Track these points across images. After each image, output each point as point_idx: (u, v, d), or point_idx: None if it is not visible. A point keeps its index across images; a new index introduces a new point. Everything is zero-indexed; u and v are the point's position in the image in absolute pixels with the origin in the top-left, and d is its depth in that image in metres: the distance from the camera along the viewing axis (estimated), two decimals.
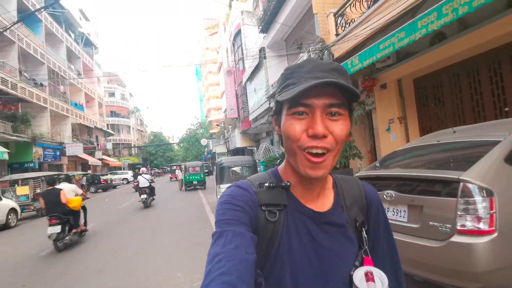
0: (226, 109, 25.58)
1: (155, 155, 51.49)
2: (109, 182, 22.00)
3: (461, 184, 1.73)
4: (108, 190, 21.57)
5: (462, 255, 1.69)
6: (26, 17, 14.45)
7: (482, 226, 1.66)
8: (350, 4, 6.86)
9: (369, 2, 6.26)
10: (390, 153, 2.77)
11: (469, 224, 1.69)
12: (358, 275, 0.56)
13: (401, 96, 7.30)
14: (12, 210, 8.15)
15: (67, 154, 20.57)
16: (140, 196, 10.18)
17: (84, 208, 6.02)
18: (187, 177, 15.63)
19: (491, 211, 1.65)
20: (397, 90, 7.24)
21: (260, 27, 13.10)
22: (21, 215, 8.80)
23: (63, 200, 5.23)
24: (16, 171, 15.50)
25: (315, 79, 0.51)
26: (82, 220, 5.92)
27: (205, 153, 37.64)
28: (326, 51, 7.63)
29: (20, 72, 16.91)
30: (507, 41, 5.02)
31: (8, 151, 13.63)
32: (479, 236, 1.66)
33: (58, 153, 19.82)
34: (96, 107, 29.73)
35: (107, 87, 42.48)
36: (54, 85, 20.66)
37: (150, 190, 10.40)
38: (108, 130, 33.11)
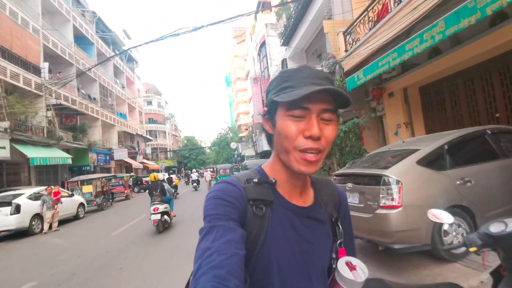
0: (253, 114, 26.97)
1: (188, 158, 54.61)
2: (149, 183, 24.49)
3: (383, 177, 2.77)
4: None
5: (382, 221, 2.72)
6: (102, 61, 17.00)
7: (394, 203, 2.68)
8: (356, 25, 7.76)
9: (371, 24, 7.12)
10: (360, 157, 3.79)
11: (387, 202, 2.73)
12: (341, 265, 0.61)
13: (407, 103, 8.00)
14: (81, 204, 10.19)
15: (115, 158, 23.38)
16: (192, 184, 19.19)
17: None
18: (218, 178, 17.24)
19: (399, 194, 2.67)
20: (402, 98, 7.96)
21: (282, 41, 14.25)
22: (86, 208, 10.86)
23: (173, 180, 13.52)
24: (76, 174, 18.28)
25: (314, 85, 0.55)
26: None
27: (235, 156, 39.39)
28: (337, 65, 8.56)
29: (78, 89, 19.87)
30: (495, 54, 5.67)
31: (72, 156, 16.24)
32: (392, 209, 2.69)
33: (107, 157, 22.67)
34: (137, 115, 32.97)
35: (145, 96, 46.21)
36: (104, 99, 23.70)
37: (198, 182, 19.14)
38: (147, 136, 36.33)
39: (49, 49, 16.89)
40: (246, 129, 40.11)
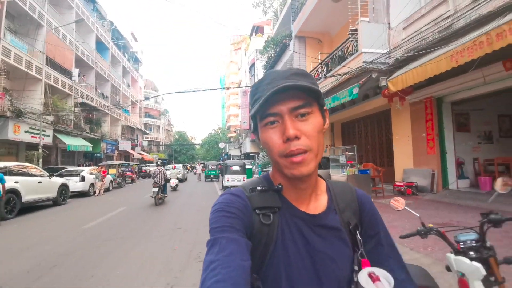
0: (240, 120, 31.37)
1: (179, 153, 58.19)
2: (147, 172, 28.59)
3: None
4: (146, 178, 28.08)
5: None
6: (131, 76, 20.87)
7: None
8: None
9: None
10: None
11: None
12: (363, 277, 0.56)
13: (332, 132, 12.77)
14: (110, 182, 14.40)
15: (119, 149, 27.26)
16: (194, 174, 26.04)
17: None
18: (207, 172, 21.59)
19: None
20: (329, 129, 12.68)
21: (265, 71, 18.78)
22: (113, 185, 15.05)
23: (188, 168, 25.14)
24: (89, 159, 22.19)
25: (274, 89, 0.53)
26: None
27: (223, 154, 43.65)
28: None
29: (95, 89, 23.68)
30: (370, 113, 10.39)
31: (92, 145, 20.17)
32: None
33: (113, 147, 26.54)
34: (138, 110, 36.72)
35: (144, 91, 49.79)
36: (114, 96, 27.52)
37: (200, 173, 23.66)
38: (145, 130, 40.10)
39: (77, 56, 20.75)
40: (235, 131, 44.41)
